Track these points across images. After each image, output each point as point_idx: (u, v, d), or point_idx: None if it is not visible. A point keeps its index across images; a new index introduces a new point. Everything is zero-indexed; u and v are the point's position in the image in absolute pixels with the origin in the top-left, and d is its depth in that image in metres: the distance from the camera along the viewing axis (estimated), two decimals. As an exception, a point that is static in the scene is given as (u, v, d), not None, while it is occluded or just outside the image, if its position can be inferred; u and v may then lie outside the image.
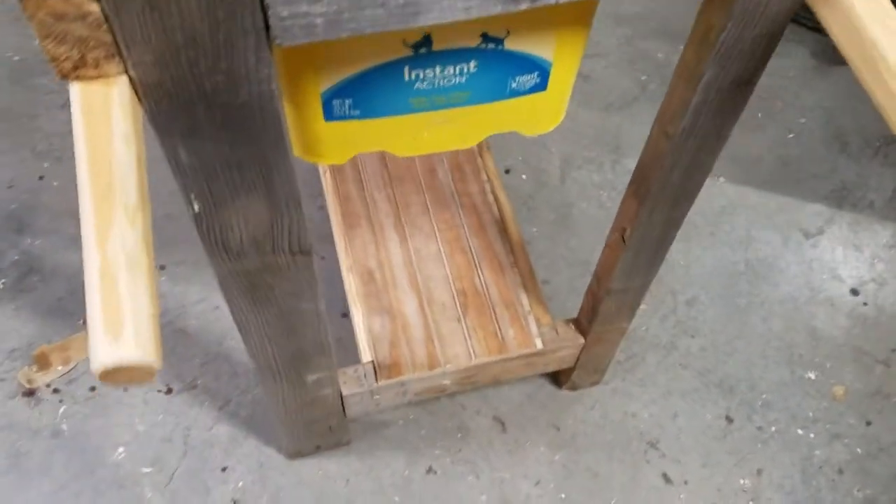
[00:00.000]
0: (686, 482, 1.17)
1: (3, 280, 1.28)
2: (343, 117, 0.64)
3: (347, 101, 0.63)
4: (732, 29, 0.60)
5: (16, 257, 1.30)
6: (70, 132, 1.50)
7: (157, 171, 1.48)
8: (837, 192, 1.46)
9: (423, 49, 0.60)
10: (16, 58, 1.54)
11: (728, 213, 1.43)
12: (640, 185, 0.80)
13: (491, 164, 1.20)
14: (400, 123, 0.66)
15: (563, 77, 0.66)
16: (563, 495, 1.15)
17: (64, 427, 1.16)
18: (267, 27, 0.50)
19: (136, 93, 0.51)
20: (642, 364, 1.27)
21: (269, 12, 0.49)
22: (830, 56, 1.64)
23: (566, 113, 0.72)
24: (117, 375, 0.42)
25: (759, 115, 1.55)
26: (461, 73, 0.63)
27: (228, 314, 1.24)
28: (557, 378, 1.23)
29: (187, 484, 1.12)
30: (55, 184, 1.38)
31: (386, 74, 0.61)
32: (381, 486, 1.14)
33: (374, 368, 1.03)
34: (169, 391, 1.20)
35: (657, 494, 1.15)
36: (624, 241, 0.86)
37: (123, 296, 0.42)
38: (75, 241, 1.32)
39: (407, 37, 0.59)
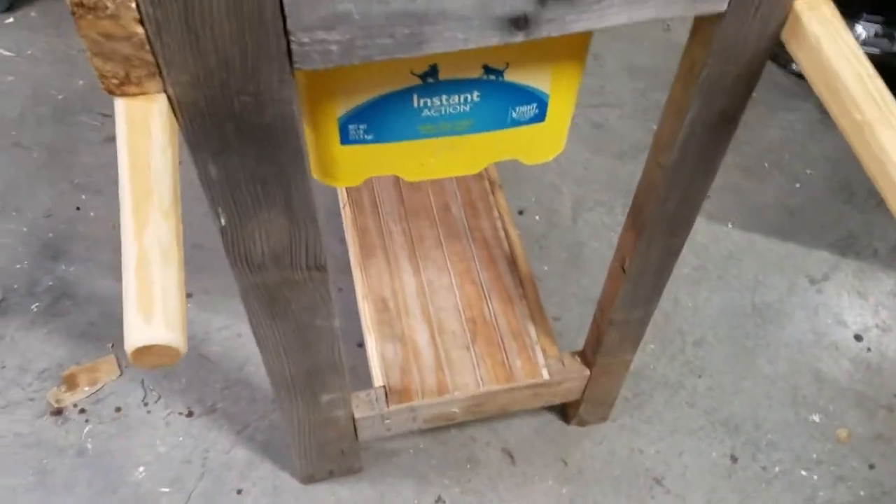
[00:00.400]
0: (690, 518, 1.18)
1: (37, 304, 1.34)
2: (357, 141, 0.70)
3: (362, 126, 0.69)
4: (713, 65, 0.65)
5: (50, 283, 1.37)
6: (107, 166, 1.59)
7: (185, 205, 1.55)
8: (843, 240, 1.50)
9: (430, 78, 0.66)
10: (59, 96, 1.64)
11: (736, 258, 1.47)
12: (637, 216, 0.85)
13: (503, 201, 1.26)
14: (409, 148, 0.72)
15: (560, 109, 0.72)
16: (567, 527, 1.16)
17: (89, 446, 1.20)
18: (289, 53, 0.56)
19: (174, 109, 0.58)
20: (650, 402, 1.29)
21: (291, 39, 0.55)
22: (838, 110, 1.69)
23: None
24: (147, 355, 0.47)
25: (767, 164, 1.60)
26: (465, 102, 0.69)
27: (250, 341, 1.31)
28: (566, 413, 1.26)
29: None
30: (91, 214, 1.46)
31: (396, 102, 0.67)
32: (390, 512, 1.17)
33: (386, 393, 1.07)
34: (190, 414, 1.24)
35: (661, 529, 1.17)
36: (624, 271, 0.91)
37: (156, 283, 0.48)
38: (109, 269, 1.39)
39: (415, 67, 0.65)
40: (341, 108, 0.68)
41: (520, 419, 1.26)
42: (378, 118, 0.69)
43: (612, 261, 0.93)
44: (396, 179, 1.28)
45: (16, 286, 1.36)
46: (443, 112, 0.69)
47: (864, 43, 1.56)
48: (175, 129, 0.58)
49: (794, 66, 1.74)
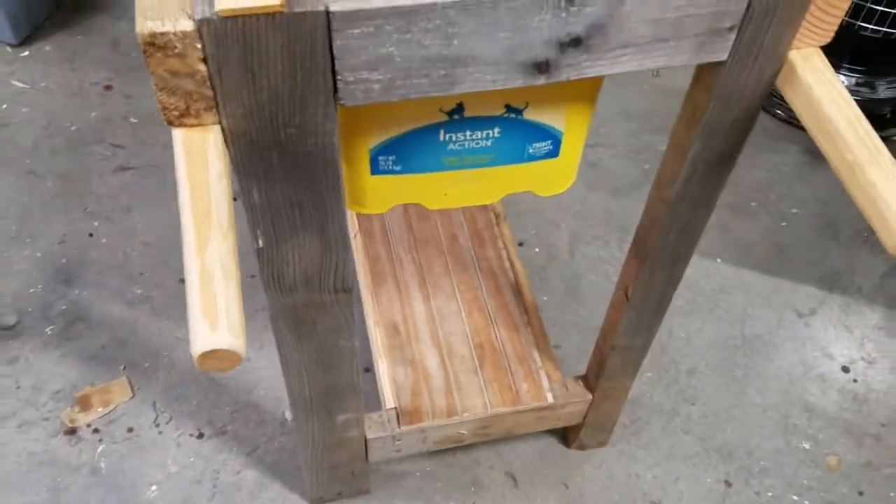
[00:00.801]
0: (686, 541, 1.22)
1: (51, 327, 1.38)
2: (386, 172, 0.76)
3: (391, 158, 0.75)
4: (714, 110, 0.72)
5: (63, 307, 1.41)
6: (119, 194, 1.64)
7: None
8: (828, 276, 1.56)
9: (457, 115, 0.72)
10: (73, 127, 1.69)
11: (726, 292, 1.53)
12: (640, 247, 0.90)
13: (507, 232, 1.32)
14: (433, 179, 0.78)
15: (572, 146, 0.78)
16: (568, 548, 1.20)
17: (102, 465, 1.23)
18: (335, 90, 0.62)
19: (226, 140, 0.63)
20: (647, 428, 1.34)
21: (338, 77, 0.61)
22: (820, 153, 1.77)
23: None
24: (211, 359, 0.51)
25: (754, 204, 1.67)
26: (487, 138, 0.74)
27: (258, 367, 1.35)
28: (566, 437, 1.30)
29: (213, 523, 1.19)
30: (104, 241, 1.50)
31: (425, 136, 0.73)
32: (396, 533, 1.20)
33: (397, 414, 1.11)
34: (200, 436, 1.28)
35: (658, 552, 1.21)
36: (627, 298, 0.96)
37: (219, 296, 0.53)
38: (120, 294, 1.43)
39: (444, 105, 0.71)
40: (373, 141, 0.73)
41: (522, 442, 1.30)
42: (406, 150, 0.74)
43: (616, 289, 0.99)
44: (406, 211, 1.33)
45: (30, 309, 1.40)
46: (466, 146, 0.75)
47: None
48: (227, 159, 0.63)
49: (779, 112, 1.83)
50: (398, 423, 1.11)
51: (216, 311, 0.52)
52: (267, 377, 1.36)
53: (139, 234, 1.52)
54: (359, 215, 1.32)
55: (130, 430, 1.27)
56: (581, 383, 1.16)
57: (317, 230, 0.74)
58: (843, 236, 1.63)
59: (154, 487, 1.22)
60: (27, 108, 1.72)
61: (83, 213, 1.55)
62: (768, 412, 1.37)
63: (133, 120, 1.71)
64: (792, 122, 1.81)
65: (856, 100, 0.65)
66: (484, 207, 1.35)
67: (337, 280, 0.80)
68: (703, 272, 1.55)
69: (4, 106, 1.71)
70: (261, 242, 0.74)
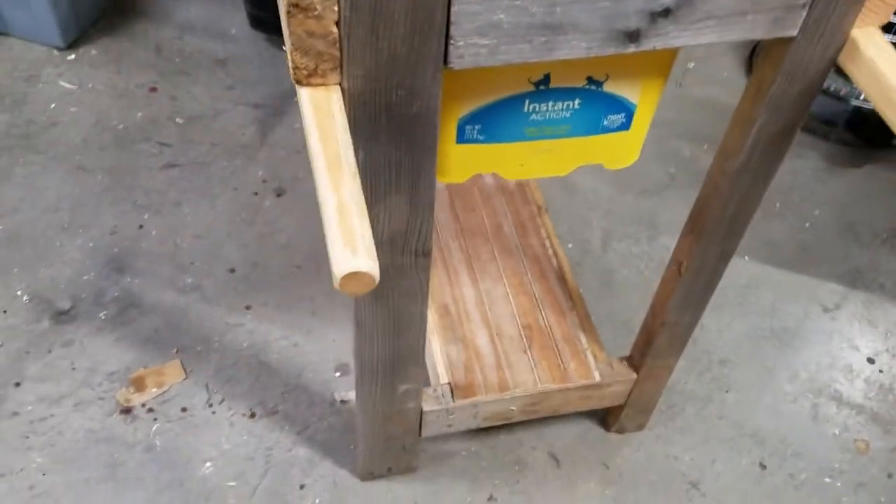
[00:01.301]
0: (725, 519, 1.26)
1: (104, 313, 1.42)
2: (471, 141, 0.82)
3: (477, 127, 0.80)
4: (780, 83, 0.78)
5: (116, 294, 1.45)
6: (167, 190, 1.70)
7: (246, 229, 1.65)
8: (851, 274, 1.62)
9: (542, 86, 0.78)
10: (120, 126, 1.74)
11: (754, 287, 1.59)
12: (696, 221, 0.96)
13: (549, 223, 1.37)
14: (513, 150, 0.83)
15: (643, 120, 0.84)
16: (612, 525, 1.24)
17: (157, 442, 1.27)
18: (446, 53, 0.67)
19: (344, 100, 0.69)
20: (682, 414, 1.39)
21: (451, 42, 0.67)
22: (838, 159, 1.84)
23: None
24: (350, 281, 0.56)
25: (778, 205, 1.73)
26: (567, 109, 0.80)
27: (307, 351, 1.40)
28: (606, 420, 1.34)
29: (268, 499, 1.22)
30: (154, 233, 1.55)
31: (510, 106, 0.79)
32: (445, 509, 1.24)
33: (451, 389, 1.16)
34: (252, 416, 1.32)
35: (698, 529, 1.25)
36: (680, 273, 1.02)
37: (355, 225, 0.58)
38: (171, 283, 1.47)
39: (532, 75, 0.77)
40: (462, 110, 0.79)
41: (563, 425, 1.35)
42: (492, 120, 0.80)
43: (668, 265, 1.04)
44: (452, 203, 1.39)
45: (84, 296, 1.44)
46: (547, 117, 0.81)
47: None
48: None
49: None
50: (452, 397, 1.15)
51: (355, 239, 0.57)
52: (314, 361, 1.40)
53: (189, 227, 1.57)
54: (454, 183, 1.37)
55: (184, 409, 1.31)
56: (626, 363, 1.21)
57: (408, 192, 0.79)
58: (863, 238, 1.69)
59: (208, 464, 1.25)
60: (75, 107, 1.77)
61: (133, 206, 1.59)
62: (798, 400, 1.42)
63: (179, 120, 1.77)
64: (812, 130, 1.88)
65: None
66: (526, 200, 1.41)
67: (419, 243, 0.85)
68: (732, 269, 1.59)
69: (53, 105, 1.77)
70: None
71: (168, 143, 1.72)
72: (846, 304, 1.57)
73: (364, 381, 1.05)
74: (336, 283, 0.56)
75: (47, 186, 1.61)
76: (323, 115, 0.65)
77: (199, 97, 1.83)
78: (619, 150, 0.87)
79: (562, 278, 1.30)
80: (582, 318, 1.25)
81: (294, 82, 0.67)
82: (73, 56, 1.89)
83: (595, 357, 1.21)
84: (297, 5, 0.61)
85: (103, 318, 1.41)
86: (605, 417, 1.35)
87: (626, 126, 0.84)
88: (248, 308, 1.46)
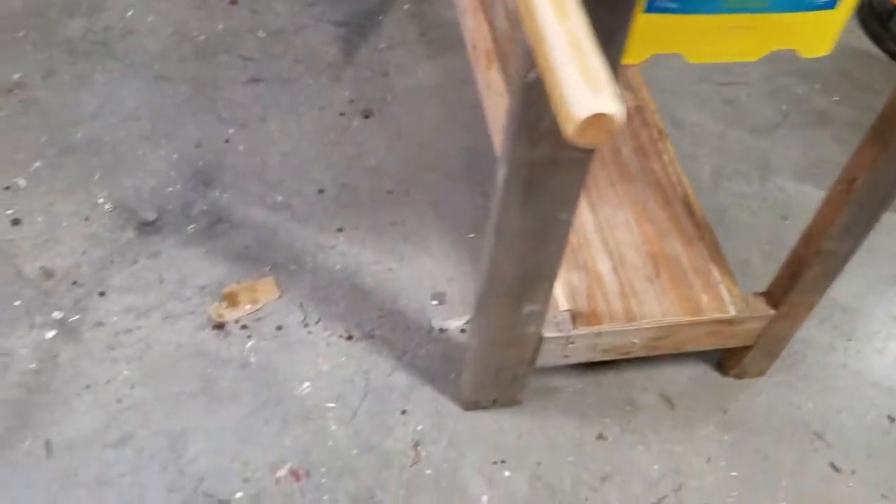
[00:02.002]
0: (853, 472, 1.17)
1: (192, 226, 1.35)
2: (661, 10, 0.72)
3: (671, -6, 0.70)
4: None
5: (204, 207, 1.37)
6: (253, 104, 1.61)
7: (338, 148, 1.56)
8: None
9: (756, -53, 0.67)
10: (200, 37, 1.66)
11: (883, 232, 1.47)
12: (883, 129, 0.85)
13: (671, 148, 1.27)
14: (706, 23, 0.73)
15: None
16: (734, 473, 1.15)
17: (252, 360, 1.20)
18: None
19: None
20: (803, 361, 1.29)
21: None
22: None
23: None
24: (591, 126, 0.47)
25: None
26: (774, -22, 0.70)
27: (400, 276, 1.32)
28: (724, 365, 1.25)
29: (369, 422, 1.15)
30: (240, 147, 1.47)
31: (715, -30, 0.69)
32: (554, 445, 1.16)
33: (572, 316, 1.07)
34: (349, 338, 1.24)
35: (825, 481, 1.16)
36: (850, 192, 0.91)
37: (593, 61, 0.48)
38: (259, 199, 1.40)
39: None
40: (659, -27, 0.69)
41: (676, 367, 1.26)
42: (690, -14, 0.70)
43: (837, 183, 0.94)
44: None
45: (170, 208, 1.37)
46: (751, -14, 0.70)
47: None
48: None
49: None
50: (573, 324, 1.06)
51: (597, 77, 0.48)
52: (409, 287, 1.32)
53: (275, 144, 1.49)
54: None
55: (279, 328, 1.24)
56: (763, 299, 1.11)
57: (591, 67, 0.69)
58: None
59: (307, 384, 1.18)
60: (153, 16, 1.69)
61: (217, 119, 1.51)
62: (929, 352, 1.32)
63: (261, 34, 1.68)
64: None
65: None
66: (645, 123, 1.30)
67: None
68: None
69: (130, 13, 1.68)
70: (532, 76, 0.69)
71: (251, 58, 1.63)
72: (977, 256, 1.45)
73: (489, 299, 0.96)
74: (572, 128, 0.47)
75: (127, 94, 1.53)
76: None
77: (280, 12, 1.73)
78: (818, 33, 0.76)
79: (687, 206, 1.20)
80: (711, 248, 1.16)
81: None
82: (150, -35, 1.80)
83: (729, 291, 1.11)
84: None
85: (191, 231, 1.34)
86: (723, 361, 1.25)
87: (831, 3, 0.73)
88: (339, 230, 1.38)
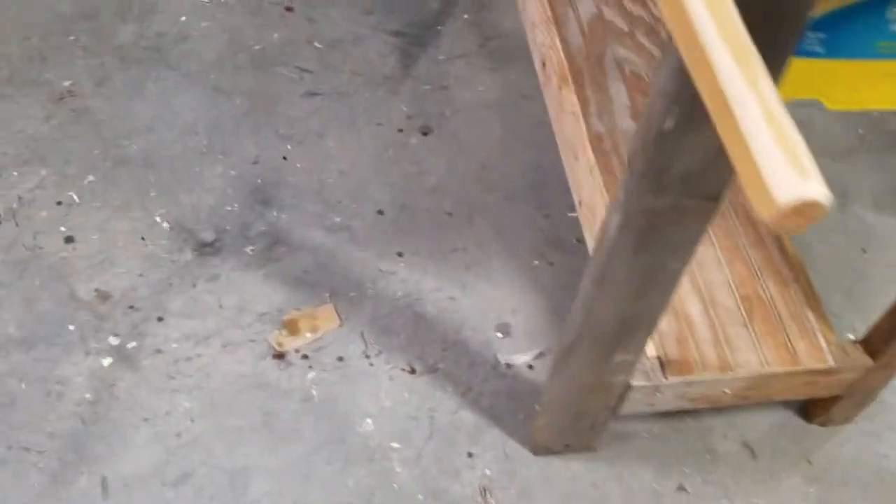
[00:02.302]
0: (951, 534, 1.10)
1: (251, 247, 1.29)
2: (808, 54, 0.65)
3: (820, 36, 0.64)
4: None
5: (263, 228, 1.32)
6: (309, 118, 1.55)
7: (387, 167, 1.49)
8: None
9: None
10: (256, 46, 1.60)
11: (964, 272, 1.39)
12: None
13: (761, 182, 1.20)
14: (854, 69, 0.67)
15: None
16: (821, 529, 1.09)
17: (313, 392, 1.15)
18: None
19: None
20: (891, 409, 1.22)
21: None
22: None
23: None
24: (794, 213, 0.41)
25: None
26: (935, 21, 0.63)
27: (463, 305, 1.26)
28: (808, 411, 1.18)
29: (435, 464, 1.10)
30: (298, 165, 1.42)
31: (869, 10, 0.62)
32: (630, 495, 1.10)
33: (661, 364, 1.01)
34: (412, 371, 1.18)
35: (921, 543, 1.09)
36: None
37: (792, 136, 0.42)
38: (318, 220, 1.34)
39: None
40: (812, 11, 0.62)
41: (756, 413, 1.19)
42: (841, 27, 0.64)
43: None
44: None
45: (228, 228, 1.31)
46: (910, 31, 0.64)
47: None
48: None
49: None
50: (663, 373, 1.00)
51: (798, 155, 0.41)
52: (472, 318, 1.26)
53: (333, 161, 1.43)
54: (596, 149, 1.22)
55: (340, 359, 1.19)
56: (861, 348, 1.04)
57: (731, 117, 0.63)
58: None
59: (369, 420, 1.13)
60: (207, 21, 1.64)
61: (275, 134, 1.46)
62: None
63: (318, 45, 1.62)
64: None
65: None
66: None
67: (713, 185, 0.70)
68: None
69: (184, 18, 1.63)
70: (670, 123, 0.63)
71: (308, 69, 1.58)
72: None
73: (578, 347, 0.90)
74: (773, 215, 0.41)
75: (182, 106, 1.48)
76: (716, 7, 0.49)
77: (337, 20, 1.68)
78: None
79: (779, 243, 1.13)
80: (806, 290, 1.09)
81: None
82: (203, -31, 1.75)
83: (825, 338, 1.04)
84: None
85: (250, 253, 1.29)
86: (808, 407, 1.18)
87: None
88: (399, 255, 1.32)
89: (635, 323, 0.86)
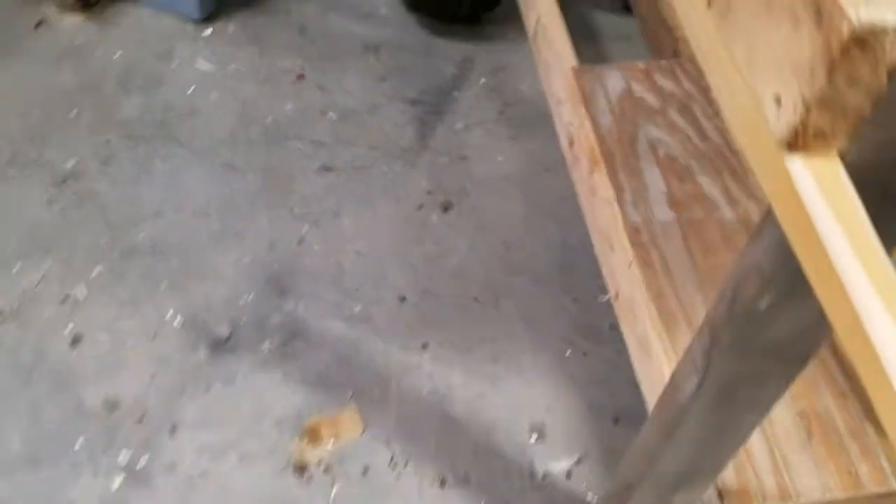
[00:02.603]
0: None
1: (268, 342, 1.22)
2: None
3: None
4: None
5: (279, 320, 1.25)
6: (325, 197, 1.48)
7: (411, 251, 1.41)
8: None
9: None
10: (268, 119, 1.54)
11: None
12: None
13: (809, 279, 1.14)
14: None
15: None
16: None
17: (338, 511, 1.08)
18: None
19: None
20: (947, 515, 1.15)
21: None
22: None
23: None
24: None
25: None
26: None
27: (492, 404, 1.19)
28: (862, 521, 1.12)
29: (473, 593, 1.02)
30: (315, 248, 1.35)
31: None
32: None
33: (720, 495, 0.94)
34: (442, 483, 1.11)
35: None
36: None
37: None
38: (337, 308, 1.27)
39: None
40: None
41: (808, 523, 1.12)
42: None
43: None
44: (686, 241, 1.16)
45: (244, 321, 1.24)
46: None
47: None
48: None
49: None
50: None
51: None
52: (504, 418, 1.19)
53: (350, 243, 1.37)
54: (634, 242, 1.15)
55: (365, 471, 1.11)
56: (926, 468, 0.98)
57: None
58: None
59: (401, 543, 1.06)
60: (217, 92, 1.57)
61: (290, 214, 1.39)
62: None
63: (332, 116, 1.56)
64: None
65: None
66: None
67: (807, 347, 0.63)
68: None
69: (192, 88, 1.57)
70: (766, 303, 0.57)
71: (322, 142, 1.51)
72: None
73: (636, 491, 0.83)
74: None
75: (193, 185, 1.41)
76: (838, 199, 0.43)
77: (350, 89, 1.62)
78: None
79: (833, 349, 1.07)
80: (864, 402, 1.02)
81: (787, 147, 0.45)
82: (208, 31, 1.69)
83: (887, 457, 0.98)
84: (861, 41, 0.38)
85: (266, 349, 1.22)
86: (862, 517, 1.12)
87: None
88: (424, 346, 1.25)
89: (701, 470, 0.80)
